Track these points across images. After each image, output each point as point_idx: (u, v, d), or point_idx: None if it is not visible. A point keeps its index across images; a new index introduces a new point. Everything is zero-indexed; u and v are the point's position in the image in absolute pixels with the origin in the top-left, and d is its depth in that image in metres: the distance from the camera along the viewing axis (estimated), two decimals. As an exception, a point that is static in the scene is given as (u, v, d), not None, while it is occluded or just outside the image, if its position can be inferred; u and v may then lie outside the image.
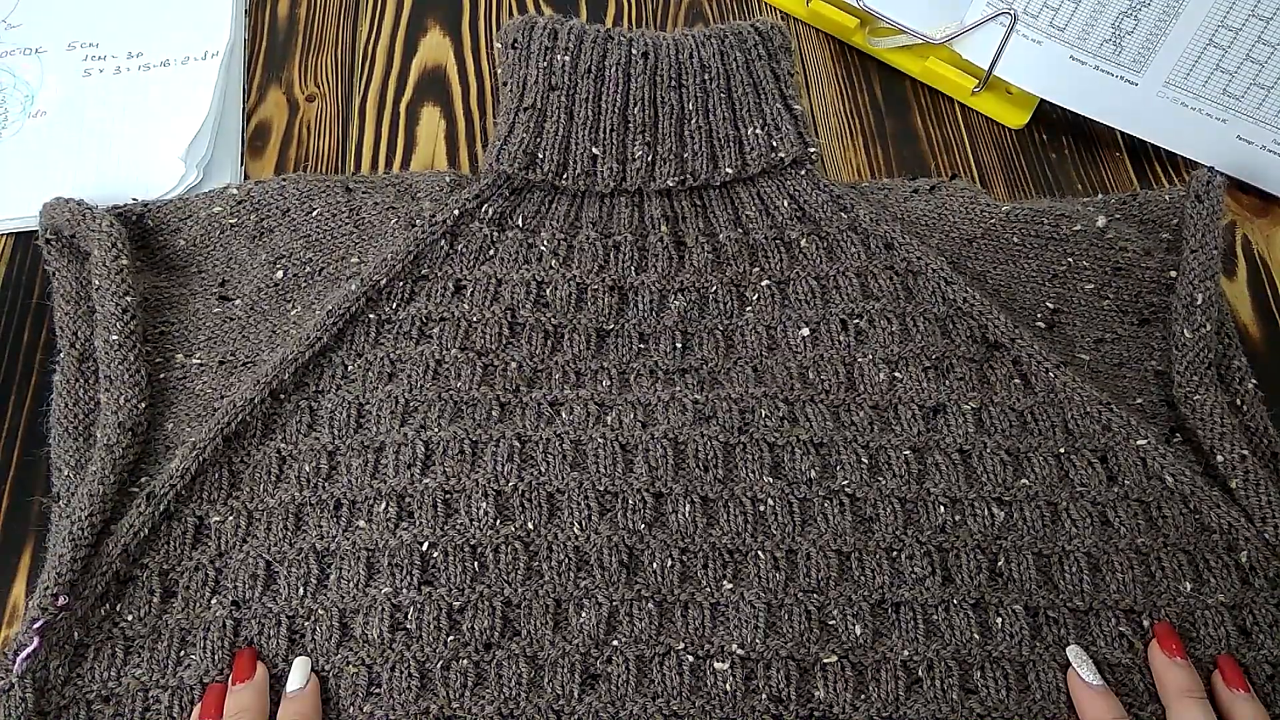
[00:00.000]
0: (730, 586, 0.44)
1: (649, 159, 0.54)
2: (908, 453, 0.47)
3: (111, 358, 0.47)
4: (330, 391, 0.48)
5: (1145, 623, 0.44)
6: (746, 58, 0.55)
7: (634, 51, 0.55)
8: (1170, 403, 0.49)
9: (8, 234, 0.55)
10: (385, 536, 0.44)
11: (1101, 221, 0.53)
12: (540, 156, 0.53)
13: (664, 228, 0.53)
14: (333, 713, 0.42)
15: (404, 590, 0.43)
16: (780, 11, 0.65)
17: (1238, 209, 0.58)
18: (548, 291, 0.51)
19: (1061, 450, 0.47)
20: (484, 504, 0.45)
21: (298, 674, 0.42)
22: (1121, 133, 0.59)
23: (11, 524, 0.47)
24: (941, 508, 0.46)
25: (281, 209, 0.53)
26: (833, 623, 0.44)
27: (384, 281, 0.50)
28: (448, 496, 0.45)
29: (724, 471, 0.46)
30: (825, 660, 0.43)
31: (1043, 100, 0.59)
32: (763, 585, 0.44)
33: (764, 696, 0.42)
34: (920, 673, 0.43)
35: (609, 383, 0.49)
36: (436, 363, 0.49)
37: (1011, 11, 0.57)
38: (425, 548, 0.44)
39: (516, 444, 0.47)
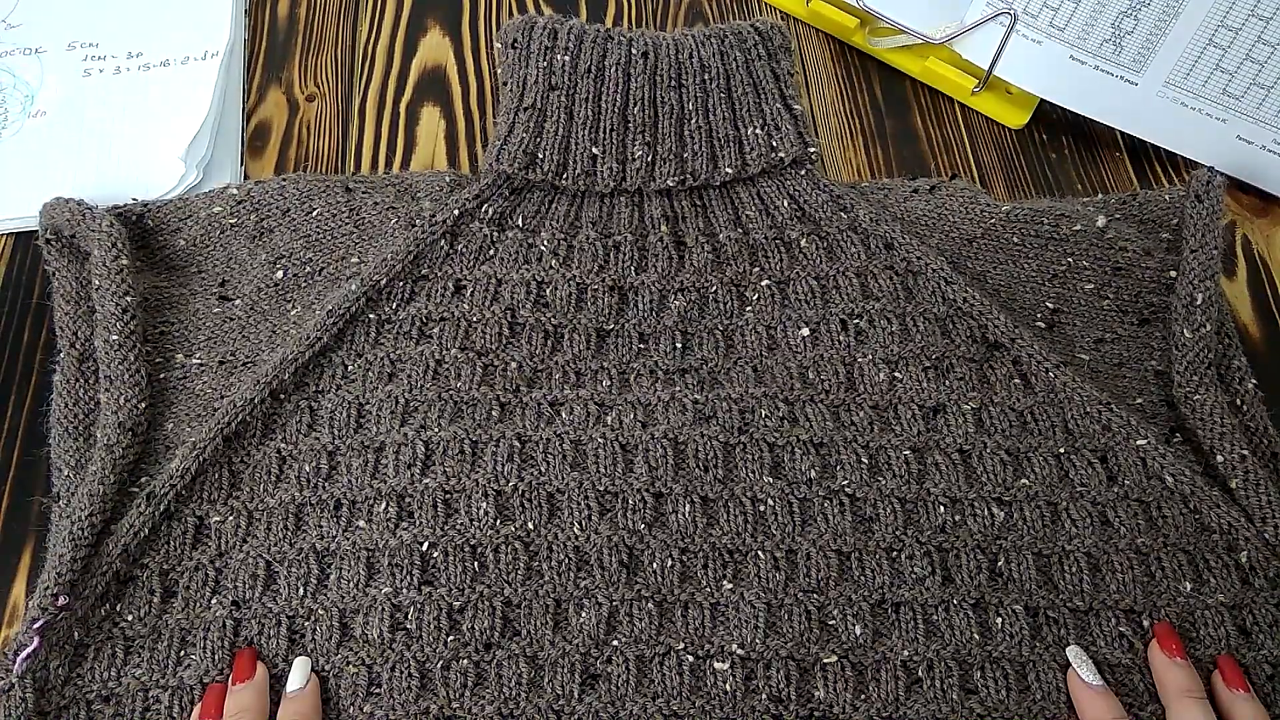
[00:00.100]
0: (730, 586, 0.44)
1: (649, 159, 0.54)
2: (908, 453, 0.47)
3: (111, 358, 0.47)
4: (330, 391, 0.48)
5: (1145, 623, 0.44)
6: (746, 58, 0.55)
7: (634, 51, 0.55)
8: (1170, 403, 0.49)
9: (8, 234, 0.55)
10: (385, 536, 0.44)
11: (1101, 221, 0.53)
12: (540, 156, 0.53)
13: (664, 228, 0.53)
14: (333, 713, 0.42)
15: (404, 590, 0.43)
16: (780, 11, 0.65)
17: (1238, 209, 0.58)
18: (548, 291, 0.51)
19: (1061, 450, 0.47)
20: (484, 504, 0.45)
21: (298, 674, 0.42)
22: (1121, 133, 0.59)
23: (11, 524, 0.47)
24: (941, 508, 0.46)
25: (281, 209, 0.53)
26: (833, 623, 0.44)
27: (384, 281, 0.50)
28: (448, 496, 0.45)
29: (724, 471, 0.46)
30: (825, 660, 0.43)
31: (1043, 100, 0.59)
32: (763, 585, 0.44)
33: (764, 696, 0.42)
34: (920, 673, 0.43)
35: (609, 383, 0.49)
36: (436, 363, 0.49)
37: (1011, 11, 0.57)
38: (425, 548, 0.44)
39: (516, 444, 0.47)
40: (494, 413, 0.48)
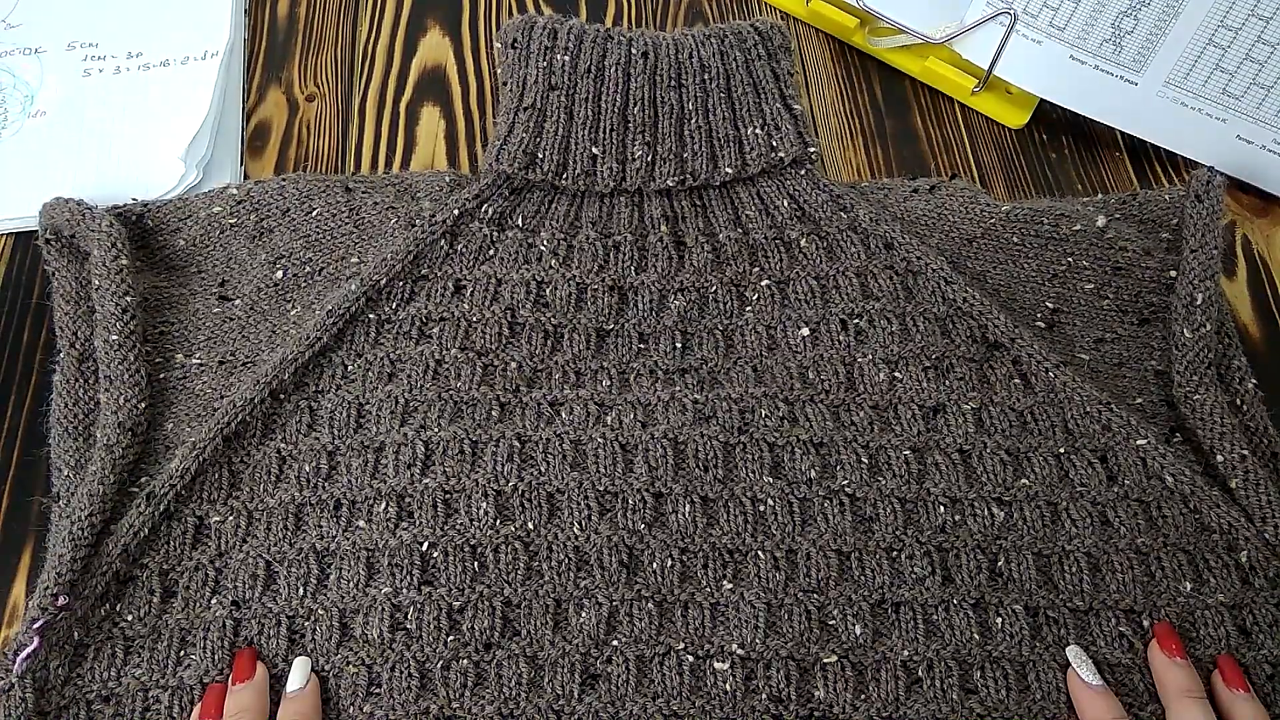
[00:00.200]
0: (730, 586, 0.44)
1: (649, 159, 0.54)
2: (908, 453, 0.47)
3: (111, 358, 0.47)
4: (330, 391, 0.48)
5: (1145, 623, 0.44)
6: (746, 57, 0.55)
7: (634, 51, 0.55)
8: (1170, 403, 0.49)
9: (8, 234, 0.55)
10: (385, 536, 0.44)
11: (1101, 221, 0.53)
12: (540, 156, 0.53)
13: (664, 228, 0.53)
14: (333, 713, 0.42)
15: (404, 590, 0.43)
16: (780, 11, 0.65)
17: (1238, 209, 0.58)
18: (548, 291, 0.51)
19: (1061, 450, 0.47)
20: (484, 504, 0.45)
21: (298, 674, 0.42)
22: (1121, 133, 0.59)
23: (11, 524, 0.47)
24: (941, 508, 0.46)
25: (281, 209, 0.53)
26: (833, 623, 0.44)
27: (384, 281, 0.50)
28: (448, 496, 0.45)
29: (724, 471, 0.46)
30: (825, 660, 0.43)
31: (1043, 100, 0.59)
32: (763, 585, 0.44)
33: (764, 696, 0.42)
34: (920, 673, 0.43)
35: (609, 383, 0.49)
36: (436, 363, 0.49)
37: (1011, 11, 0.57)
38: (425, 548, 0.44)
39: (516, 444, 0.47)
40: (494, 413, 0.48)
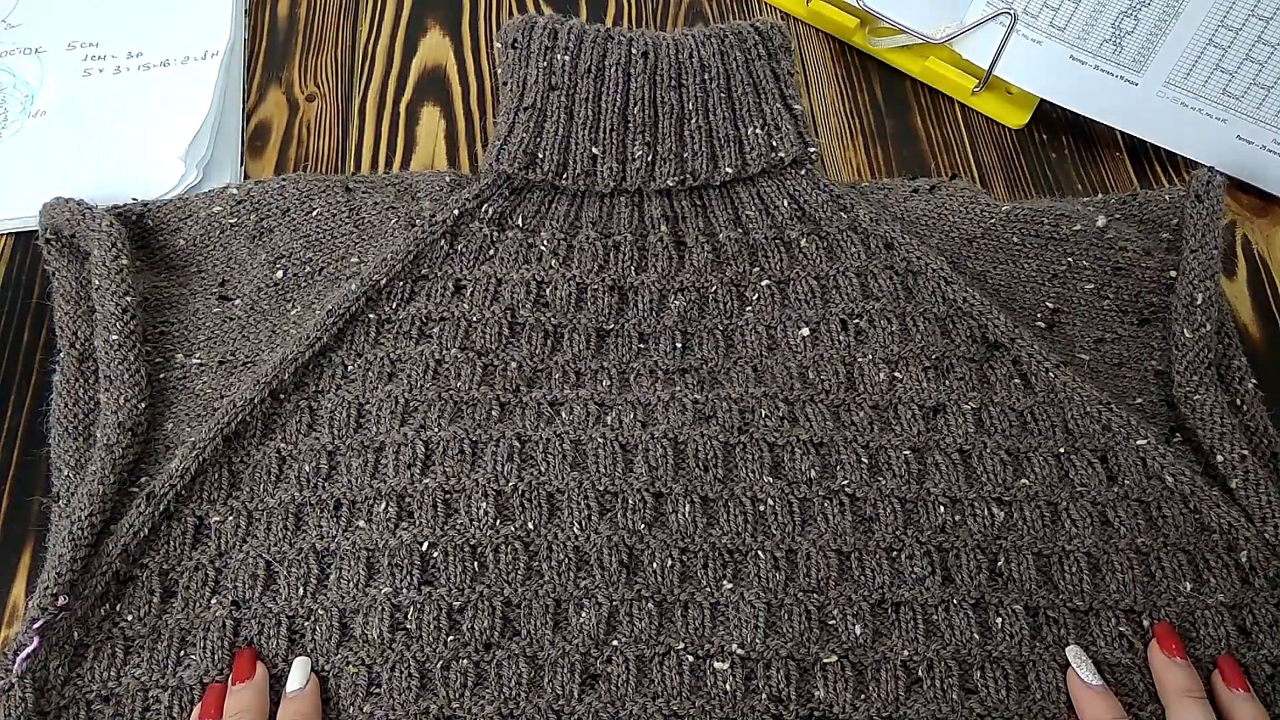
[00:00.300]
0: (730, 586, 0.44)
1: (649, 159, 0.54)
2: (908, 453, 0.47)
3: (111, 358, 0.47)
4: (330, 391, 0.48)
5: (1145, 623, 0.44)
6: (746, 57, 0.55)
7: (634, 51, 0.55)
8: (1170, 403, 0.49)
9: (8, 234, 0.55)
10: (385, 536, 0.44)
11: (1101, 221, 0.53)
12: (540, 156, 0.53)
13: (664, 227, 0.53)
14: (333, 713, 0.42)
15: (404, 590, 0.43)
16: (780, 11, 0.65)
17: (1238, 209, 0.58)
18: (548, 291, 0.51)
19: (1061, 450, 0.47)
20: (484, 504, 0.45)
21: (298, 674, 0.42)
22: (1121, 133, 0.59)
23: (11, 524, 0.47)
24: (941, 508, 0.46)
25: (281, 209, 0.53)
26: (833, 623, 0.44)
27: (384, 281, 0.50)
28: (448, 496, 0.45)
29: (724, 471, 0.46)
30: (825, 660, 0.43)
31: (1043, 100, 0.59)
32: (763, 585, 0.44)
33: (764, 696, 0.42)
34: (920, 673, 0.43)
35: (609, 383, 0.49)
36: (436, 363, 0.49)
37: (1011, 11, 0.57)
38: (425, 548, 0.44)
39: (516, 444, 0.47)
40: (494, 413, 0.48)
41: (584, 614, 0.43)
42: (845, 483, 0.46)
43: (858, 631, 0.43)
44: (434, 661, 0.42)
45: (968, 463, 0.47)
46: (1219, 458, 0.46)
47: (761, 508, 0.46)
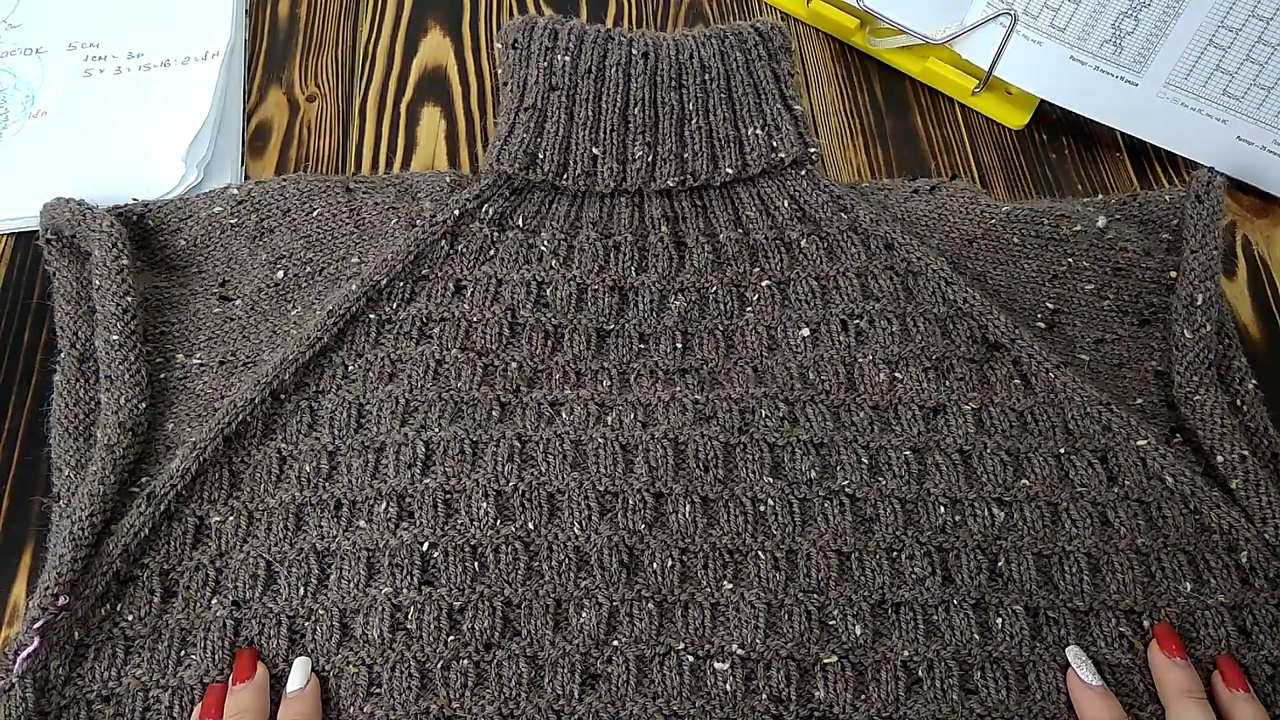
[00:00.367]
0: (730, 586, 0.44)
1: (649, 159, 0.54)
2: (908, 453, 0.47)
3: (112, 358, 0.47)
4: (330, 391, 0.48)
5: (1145, 623, 0.44)
6: (746, 58, 0.56)
7: (634, 52, 0.55)
8: (1170, 403, 0.49)
9: (8, 234, 0.55)
10: (385, 536, 0.44)
11: (1101, 222, 0.53)
12: (540, 157, 0.53)
13: (664, 228, 0.53)
14: (333, 713, 0.42)
15: (404, 590, 0.43)
16: (780, 11, 0.65)
17: (1238, 209, 0.58)
18: (548, 292, 0.51)
19: (1061, 450, 0.47)
20: (484, 504, 0.45)
21: (298, 674, 0.42)
22: (1121, 133, 0.59)
23: (12, 524, 0.47)
24: (942, 508, 0.46)
25: (282, 209, 0.53)
26: (833, 623, 0.44)
27: (384, 281, 0.50)
28: (448, 496, 0.45)
29: (724, 472, 0.46)
30: (825, 660, 0.43)
31: (1043, 100, 0.59)
32: (763, 585, 0.44)
33: (764, 696, 0.42)
34: (920, 673, 0.43)
35: (609, 383, 0.49)
36: (437, 363, 0.49)
37: (1011, 12, 0.57)
38: (425, 548, 0.44)
39: (517, 444, 0.47)
40: (494, 413, 0.48)
41: (584, 614, 0.43)
42: (845, 483, 0.46)
43: (858, 632, 0.43)
44: (434, 661, 0.42)
45: (968, 463, 0.47)
46: (1219, 458, 0.46)
47: (762, 508, 0.46)
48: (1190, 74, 0.55)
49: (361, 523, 0.45)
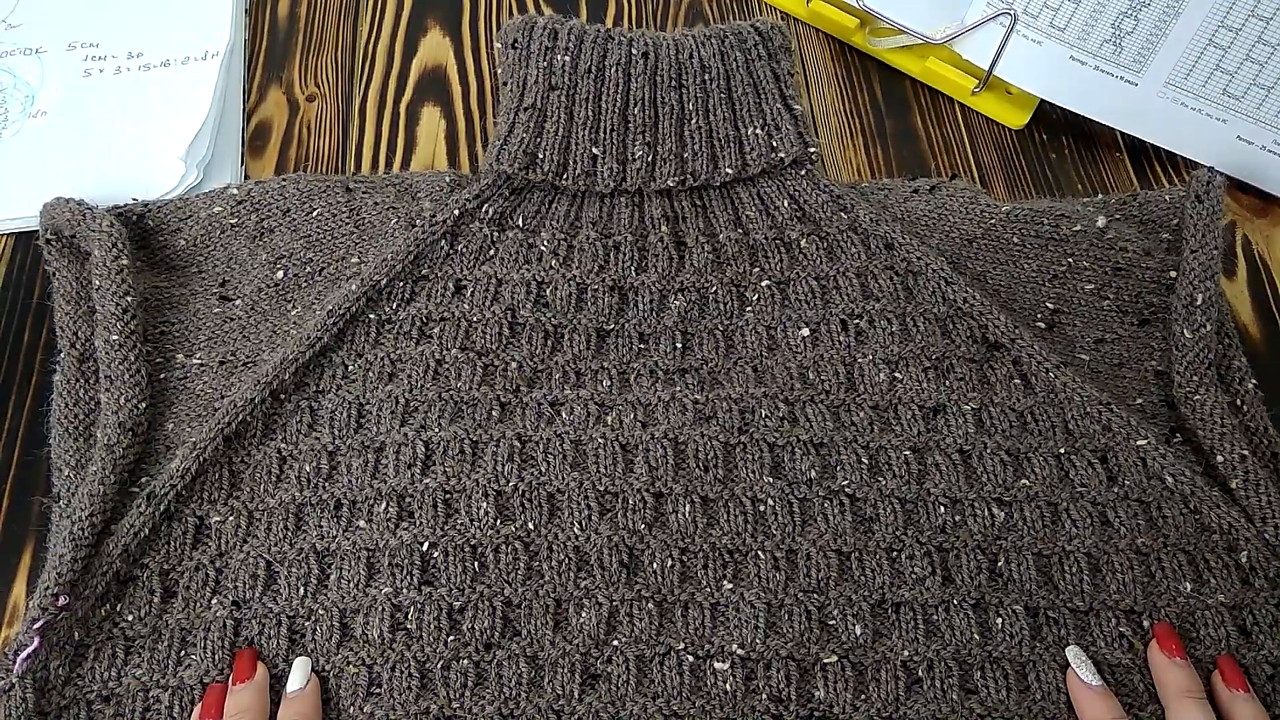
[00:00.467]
0: (730, 586, 0.44)
1: (649, 159, 0.54)
2: (908, 453, 0.47)
3: (112, 358, 0.47)
4: (330, 391, 0.48)
5: (1145, 623, 0.44)
6: (746, 58, 0.55)
7: (634, 51, 0.55)
8: (1170, 403, 0.49)
9: (8, 234, 0.55)
10: (385, 536, 0.44)
11: (1101, 222, 0.53)
12: (540, 156, 0.53)
13: (664, 228, 0.53)
14: (333, 713, 0.42)
15: (404, 590, 0.43)
16: (780, 11, 0.65)
17: (1238, 209, 0.58)
18: (548, 291, 0.51)
19: (1061, 450, 0.47)
20: (484, 504, 0.45)
21: (298, 674, 0.42)
22: (1121, 133, 0.59)
23: (12, 524, 0.47)
24: (942, 508, 0.46)
25: (282, 209, 0.53)
26: (833, 623, 0.44)
27: (384, 281, 0.50)
28: (448, 496, 0.45)
29: (724, 471, 0.46)
30: (825, 660, 0.43)
31: (1043, 100, 0.59)
32: (763, 585, 0.44)
33: (764, 696, 0.42)
34: (920, 673, 0.43)
35: (609, 383, 0.49)
36: (437, 363, 0.49)
37: (1011, 12, 0.57)
38: (425, 548, 0.44)
39: (517, 444, 0.47)
40: (494, 413, 0.48)
41: (584, 614, 0.43)
42: (845, 483, 0.46)
43: (858, 632, 0.43)
44: (434, 661, 0.42)
45: (968, 463, 0.47)
46: (1219, 458, 0.46)
47: (761, 508, 0.46)
48: (1190, 74, 0.55)
49: (361, 523, 0.45)
